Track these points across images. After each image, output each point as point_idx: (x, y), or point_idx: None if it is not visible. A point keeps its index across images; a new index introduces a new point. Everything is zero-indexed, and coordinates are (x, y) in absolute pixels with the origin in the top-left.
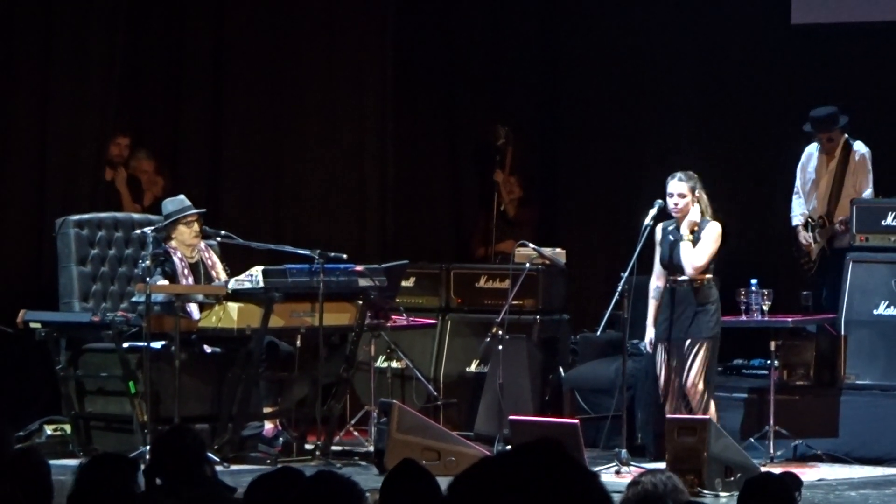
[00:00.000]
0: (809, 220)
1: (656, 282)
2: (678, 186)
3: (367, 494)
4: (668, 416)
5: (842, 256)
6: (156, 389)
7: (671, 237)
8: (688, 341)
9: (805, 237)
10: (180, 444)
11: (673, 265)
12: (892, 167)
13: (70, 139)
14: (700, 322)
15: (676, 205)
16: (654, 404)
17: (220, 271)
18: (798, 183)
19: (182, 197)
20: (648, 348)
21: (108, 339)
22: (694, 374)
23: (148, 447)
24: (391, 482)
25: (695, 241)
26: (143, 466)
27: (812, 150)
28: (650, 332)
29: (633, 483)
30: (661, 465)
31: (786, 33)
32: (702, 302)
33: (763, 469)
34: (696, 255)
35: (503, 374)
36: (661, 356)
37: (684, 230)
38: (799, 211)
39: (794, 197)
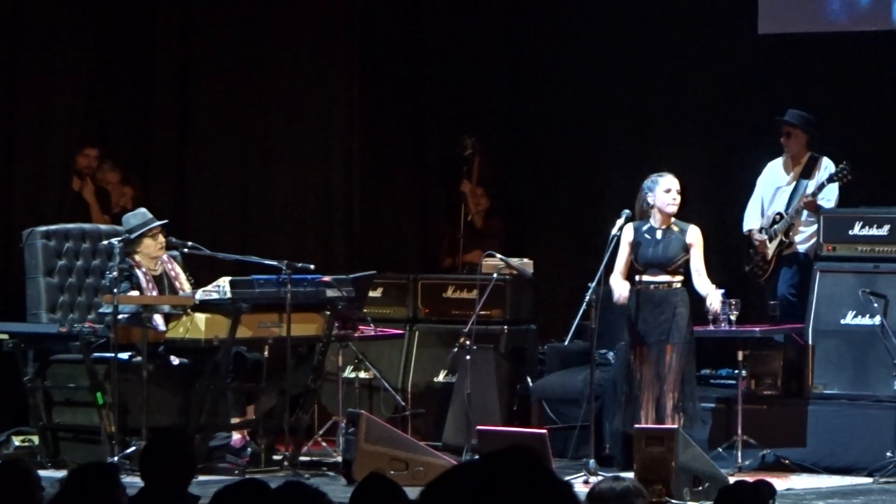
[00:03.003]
0: (763, 227)
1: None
2: (677, 183)
3: None
4: (637, 426)
5: (800, 256)
6: (123, 400)
7: (647, 235)
8: (668, 346)
9: (759, 237)
10: (176, 448)
11: (651, 265)
12: (858, 176)
13: (37, 150)
14: (679, 325)
15: (675, 200)
16: (623, 413)
17: (183, 282)
18: (757, 192)
19: (144, 210)
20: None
21: (76, 350)
22: (673, 378)
23: (116, 458)
24: (359, 496)
25: (672, 239)
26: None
27: (776, 163)
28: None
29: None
30: (630, 475)
31: (752, 43)
32: (679, 304)
33: (731, 479)
34: (703, 274)
35: (471, 384)
36: (633, 361)
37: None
38: (754, 217)
39: (751, 204)
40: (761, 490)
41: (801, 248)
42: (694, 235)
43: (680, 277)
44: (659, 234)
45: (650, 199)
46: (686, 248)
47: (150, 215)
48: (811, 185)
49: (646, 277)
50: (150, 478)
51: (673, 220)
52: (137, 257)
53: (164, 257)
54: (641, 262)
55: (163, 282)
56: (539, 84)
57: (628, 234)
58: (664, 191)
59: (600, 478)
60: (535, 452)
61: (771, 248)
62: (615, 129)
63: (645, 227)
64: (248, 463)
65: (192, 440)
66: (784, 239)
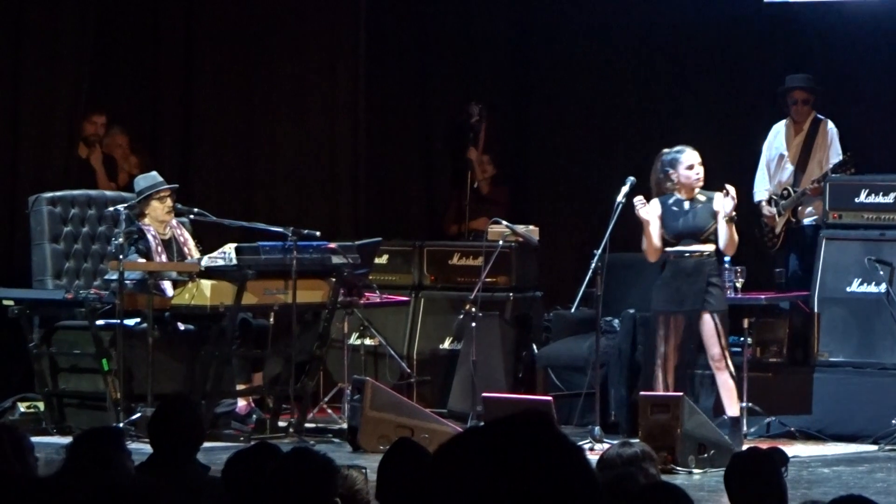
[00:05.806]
0: (773, 196)
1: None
2: (698, 156)
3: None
4: (642, 393)
5: (807, 230)
6: (129, 367)
7: (675, 207)
8: (706, 315)
9: (769, 210)
10: (184, 416)
11: (683, 236)
12: (862, 143)
13: (43, 116)
14: (715, 294)
15: (699, 174)
16: (629, 380)
17: (192, 248)
18: (763, 160)
19: (154, 173)
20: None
21: (82, 316)
22: (721, 345)
23: (121, 424)
24: (388, 460)
25: (700, 208)
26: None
27: (780, 127)
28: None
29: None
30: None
31: (758, 11)
32: (714, 273)
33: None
34: (734, 235)
35: (476, 351)
36: (662, 329)
37: (731, 211)
38: (762, 187)
39: (759, 173)
40: (774, 457)
41: (808, 220)
42: (720, 202)
43: (711, 246)
44: (686, 205)
45: (674, 178)
46: (715, 216)
47: (160, 178)
48: (815, 151)
49: (678, 248)
50: (159, 445)
51: (697, 189)
52: (146, 220)
53: (174, 223)
54: (672, 234)
55: (171, 246)
56: (545, 51)
57: (655, 209)
58: (687, 167)
59: (605, 445)
60: (547, 416)
61: (780, 223)
62: (621, 97)
63: (671, 200)
64: (253, 430)
65: (199, 407)
66: (792, 219)
